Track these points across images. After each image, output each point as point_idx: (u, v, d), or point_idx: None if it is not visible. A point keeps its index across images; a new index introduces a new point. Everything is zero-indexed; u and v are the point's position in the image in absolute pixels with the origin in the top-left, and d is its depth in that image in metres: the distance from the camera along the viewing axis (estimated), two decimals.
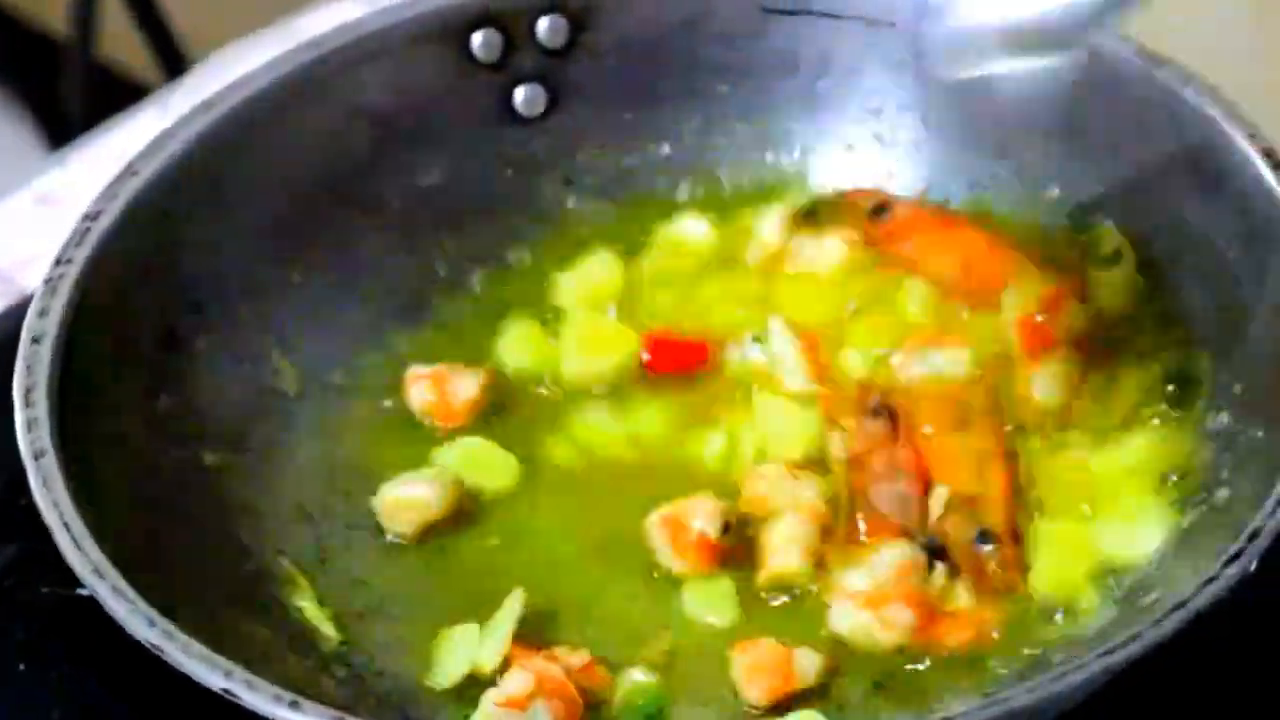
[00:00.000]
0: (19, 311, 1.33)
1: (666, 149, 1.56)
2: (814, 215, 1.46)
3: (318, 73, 1.46)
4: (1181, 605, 1.06)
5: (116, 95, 2.23)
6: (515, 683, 1.20)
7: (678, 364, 1.43)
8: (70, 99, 2.74)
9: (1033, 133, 1.45)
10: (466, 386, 1.41)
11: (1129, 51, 1.40)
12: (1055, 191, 1.45)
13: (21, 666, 1.33)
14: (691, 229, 1.52)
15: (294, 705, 1.07)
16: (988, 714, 1.03)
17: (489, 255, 1.52)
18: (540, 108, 1.54)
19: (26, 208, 1.78)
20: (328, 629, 1.28)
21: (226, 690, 1.08)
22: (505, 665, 1.22)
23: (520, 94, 1.53)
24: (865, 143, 1.53)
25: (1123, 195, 1.42)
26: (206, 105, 1.42)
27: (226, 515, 1.32)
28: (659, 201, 1.54)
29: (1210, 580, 1.08)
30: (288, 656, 1.24)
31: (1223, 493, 1.23)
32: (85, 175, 1.79)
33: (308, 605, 1.29)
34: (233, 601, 1.26)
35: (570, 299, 1.48)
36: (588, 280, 1.49)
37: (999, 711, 1.03)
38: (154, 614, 1.11)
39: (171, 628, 1.11)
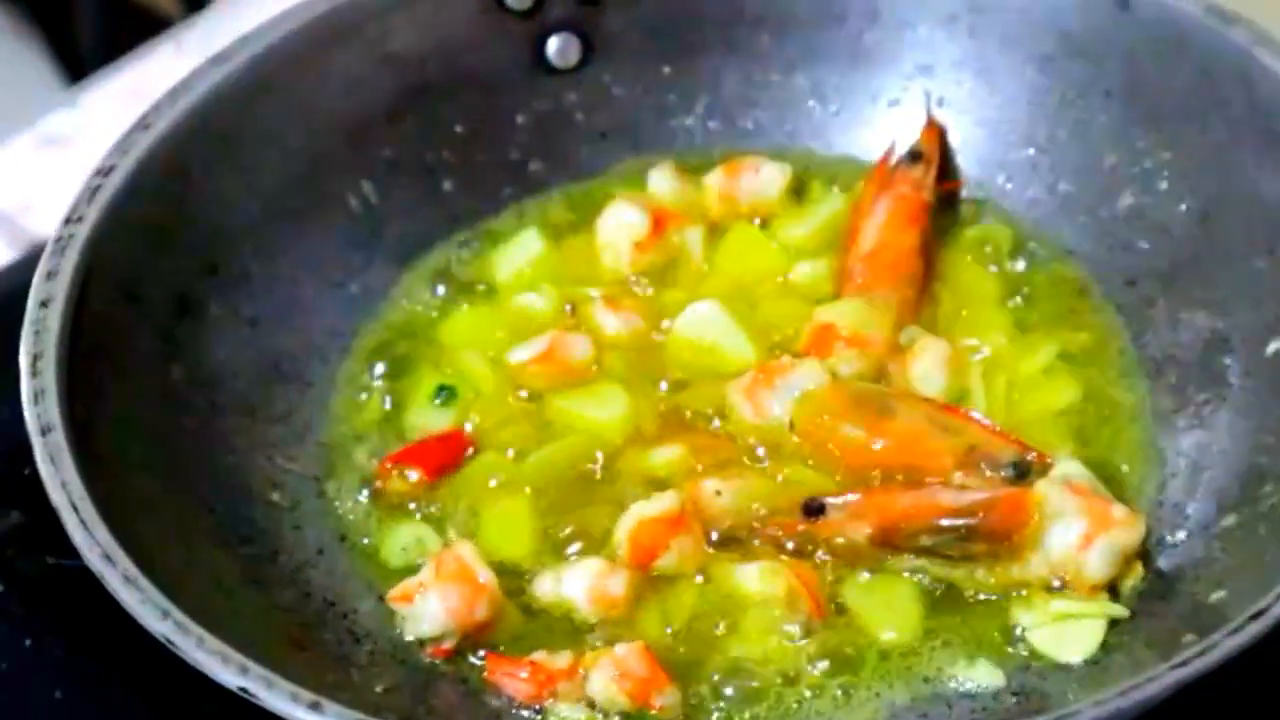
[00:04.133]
0: (27, 264, 1.26)
1: (704, 103, 1.50)
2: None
3: (344, 17, 1.40)
4: (1260, 614, 1.00)
5: (134, 26, 2.17)
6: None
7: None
8: (85, 29, 2.69)
9: (1092, 94, 1.38)
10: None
11: (1197, 9, 1.32)
12: (1113, 159, 1.38)
13: (28, 642, 1.28)
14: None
15: (314, 707, 1.01)
16: None
17: (515, 210, 1.46)
18: (574, 58, 1.47)
19: (32, 149, 1.73)
20: (346, 604, 1.23)
21: (243, 689, 1.02)
22: None
23: (553, 44, 1.46)
24: (913, 100, 1.46)
25: (1187, 162, 1.34)
26: (222, 56, 1.35)
27: (239, 490, 1.26)
28: (696, 157, 1.48)
29: None
30: (305, 639, 1.19)
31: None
32: (94, 116, 1.73)
33: (324, 584, 1.24)
34: (247, 580, 1.20)
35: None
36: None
37: None
38: (168, 605, 1.05)
39: (185, 619, 1.04)
